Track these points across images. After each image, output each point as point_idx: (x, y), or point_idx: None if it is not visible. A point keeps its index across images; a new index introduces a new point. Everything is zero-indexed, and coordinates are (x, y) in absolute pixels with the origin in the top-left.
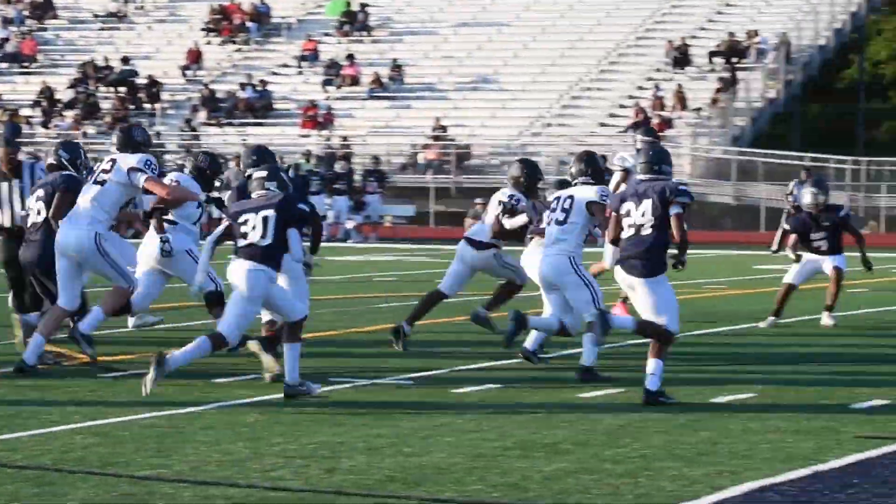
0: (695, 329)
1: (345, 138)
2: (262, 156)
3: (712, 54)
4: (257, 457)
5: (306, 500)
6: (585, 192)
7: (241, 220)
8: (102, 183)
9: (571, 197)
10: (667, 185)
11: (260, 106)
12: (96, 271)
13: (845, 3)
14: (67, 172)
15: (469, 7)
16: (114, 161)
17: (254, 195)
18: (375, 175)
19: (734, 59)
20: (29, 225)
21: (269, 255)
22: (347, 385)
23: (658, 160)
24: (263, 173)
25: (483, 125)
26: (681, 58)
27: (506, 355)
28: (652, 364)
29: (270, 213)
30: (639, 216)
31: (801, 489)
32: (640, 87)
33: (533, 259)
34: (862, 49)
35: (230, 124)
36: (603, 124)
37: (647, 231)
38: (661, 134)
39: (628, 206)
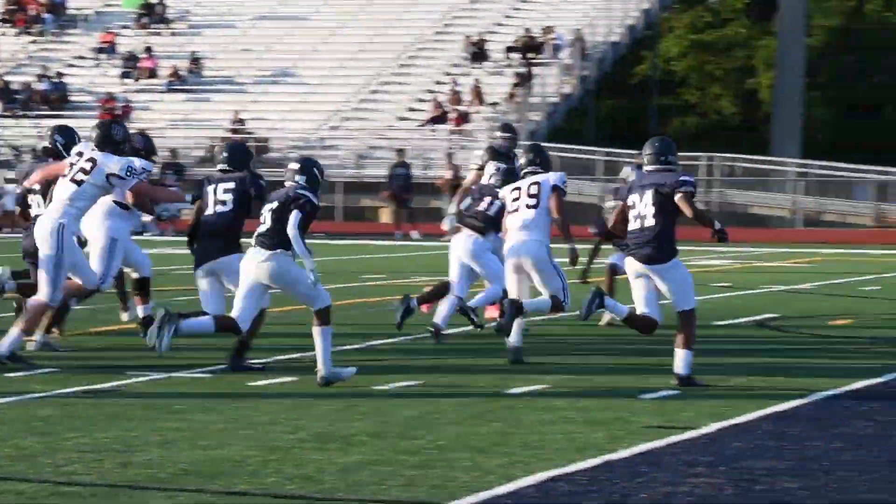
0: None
1: (143, 131)
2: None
3: (509, 50)
4: (50, 451)
5: (99, 494)
6: (548, 178)
7: (265, 209)
8: (79, 182)
9: (537, 183)
10: (668, 179)
11: (56, 98)
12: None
13: (638, 1)
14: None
15: (268, 0)
16: (94, 161)
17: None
18: (174, 168)
19: (530, 55)
20: (33, 216)
21: (278, 243)
22: (143, 378)
23: (664, 151)
24: (296, 166)
25: (282, 119)
26: (478, 53)
27: (302, 348)
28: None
29: (275, 204)
30: (643, 207)
31: (591, 478)
32: (439, 82)
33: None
34: (654, 46)
35: (26, 116)
36: (402, 118)
37: (650, 222)
38: (458, 128)
39: (634, 197)
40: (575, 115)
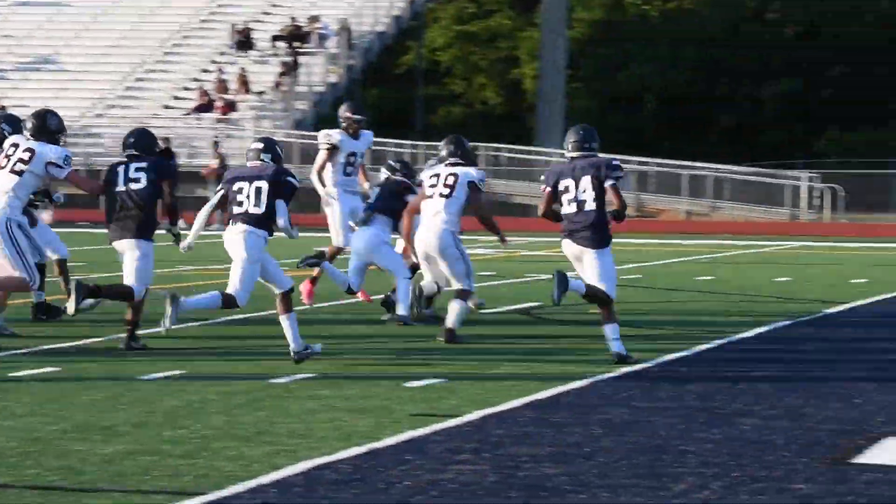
0: (259, 311)
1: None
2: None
3: (275, 39)
4: None
5: None
6: (467, 172)
7: (235, 187)
8: (20, 173)
9: (455, 175)
10: (602, 163)
11: None
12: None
13: None
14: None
15: None
16: (32, 151)
17: (248, 164)
18: None
19: (296, 44)
20: None
21: (262, 222)
22: None
23: (588, 139)
24: (260, 145)
25: (44, 106)
26: (244, 41)
27: (66, 336)
28: (610, 329)
29: (263, 184)
30: (580, 193)
31: (356, 466)
32: (204, 70)
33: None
34: (420, 36)
35: None
36: (167, 106)
37: (590, 206)
38: (224, 117)
39: (566, 183)
40: (341, 105)
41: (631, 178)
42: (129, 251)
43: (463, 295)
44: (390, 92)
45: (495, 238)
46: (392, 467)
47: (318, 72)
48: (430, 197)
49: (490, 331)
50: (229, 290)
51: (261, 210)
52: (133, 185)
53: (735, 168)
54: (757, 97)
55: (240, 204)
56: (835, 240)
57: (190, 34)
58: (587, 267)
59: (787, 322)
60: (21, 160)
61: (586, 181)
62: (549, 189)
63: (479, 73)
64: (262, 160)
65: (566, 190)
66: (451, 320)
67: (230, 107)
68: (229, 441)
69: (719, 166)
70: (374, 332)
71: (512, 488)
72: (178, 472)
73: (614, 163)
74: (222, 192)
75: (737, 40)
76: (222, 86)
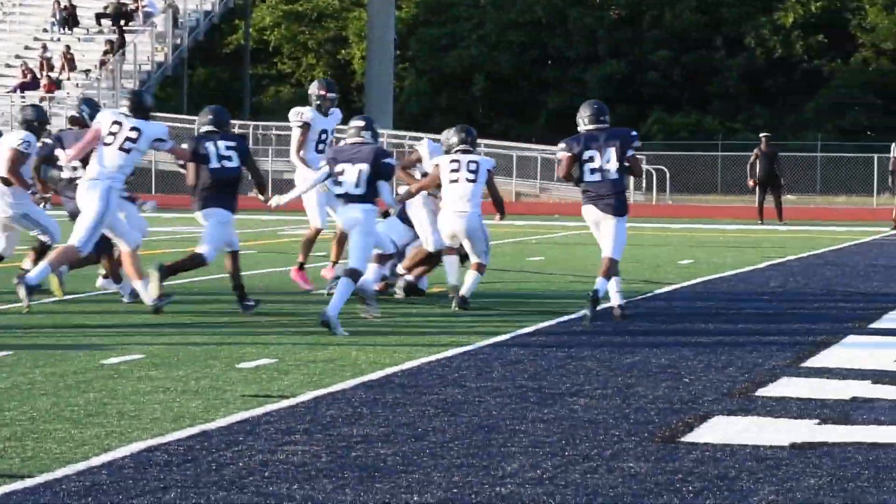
0: (87, 291)
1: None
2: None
3: (99, 16)
4: None
5: None
6: (486, 159)
7: (337, 168)
8: (128, 151)
9: (476, 162)
10: (624, 134)
11: None
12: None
13: None
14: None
15: None
16: (138, 130)
17: (349, 141)
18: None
19: (122, 22)
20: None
21: (368, 199)
22: None
23: (603, 112)
24: (361, 123)
25: None
26: (69, 18)
27: None
28: (614, 283)
29: (365, 167)
30: (604, 162)
31: (188, 448)
32: (28, 48)
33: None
34: (247, 15)
35: None
36: None
37: (613, 175)
38: (50, 95)
39: (591, 153)
40: (169, 84)
41: None
42: (212, 218)
43: (480, 269)
44: (218, 71)
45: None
46: (224, 448)
47: (144, 51)
48: (455, 182)
49: (321, 309)
50: (351, 263)
51: (360, 191)
52: (226, 164)
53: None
54: (582, 80)
55: (340, 184)
56: (661, 221)
57: (12, 10)
58: (605, 232)
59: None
60: (129, 139)
61: (610, 152)
62: (570, 155)
63: (307, 54)
64: (361, 137)
65: (590, 159)
66: (466, 289)
67: (56, 85)
68: (58, 423)
69: (547, 147)
70: (208, 310)
71: (345, 468)
72: (7, 455)
73: (633, 134)
74: (327, 169)
75: (563, 23)
76: (47, 63)
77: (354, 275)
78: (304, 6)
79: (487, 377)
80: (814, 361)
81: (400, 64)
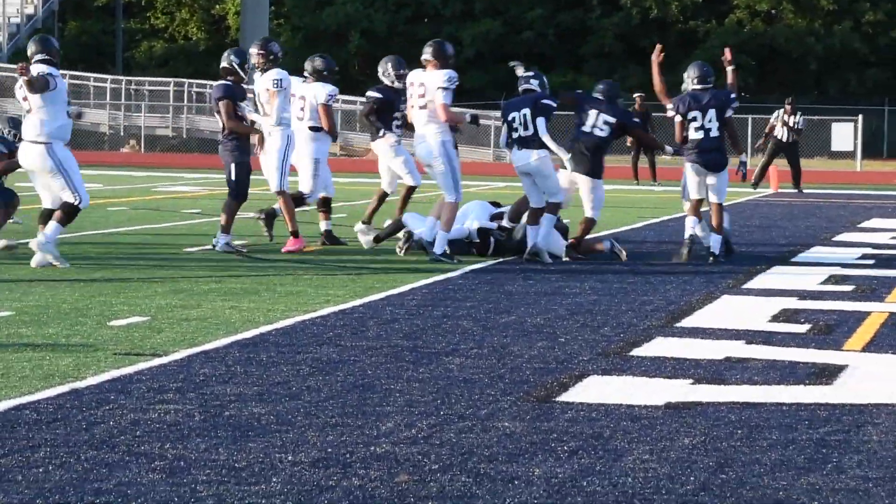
0: None
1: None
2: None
3: None
4: None
5: None
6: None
7: (509, 117)
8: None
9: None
10: (724, 95)
11: None
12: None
13: None
14: (225, 82)
15: None
16: (424, 86)
17: (520, 89)
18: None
19: None
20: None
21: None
22: None
23: (709, 73)
24: (531, 73)
25: None
26: None
27: None
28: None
29: (527, 111)
30: (706, 121)
31: (58, 406)
32: None
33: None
34: None
35: None
36: None
37: (715, 133)
38: None
39: (694, 113)
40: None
41: (338, 117)
42: (584, 185)
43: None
44: (89, 25)
45: (199, 176)
46: (95, 407)
47: (13, 2)
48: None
49: (195, 268)
50: (552, 199)
51: (529, 133)
52: (597, 132)
53: None
54: (458, 37)
55: (515, 130)
56: None
57: None
58: (710, 185)
59: (493, 262)
60: (421, 95)
61: (712, 112)
62: (682, 120)
63: (181, 8)
64: (530, 85)
65: (694, 119)
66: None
67: None
68: None
69: None
70: (80, 266)
71: (218, 427)
72: None
73: (732, 96)
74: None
75: None
76: None
77: (556, 209)
78: None
79: (362, 336)
80: (688, 322)
81: (275, 20)
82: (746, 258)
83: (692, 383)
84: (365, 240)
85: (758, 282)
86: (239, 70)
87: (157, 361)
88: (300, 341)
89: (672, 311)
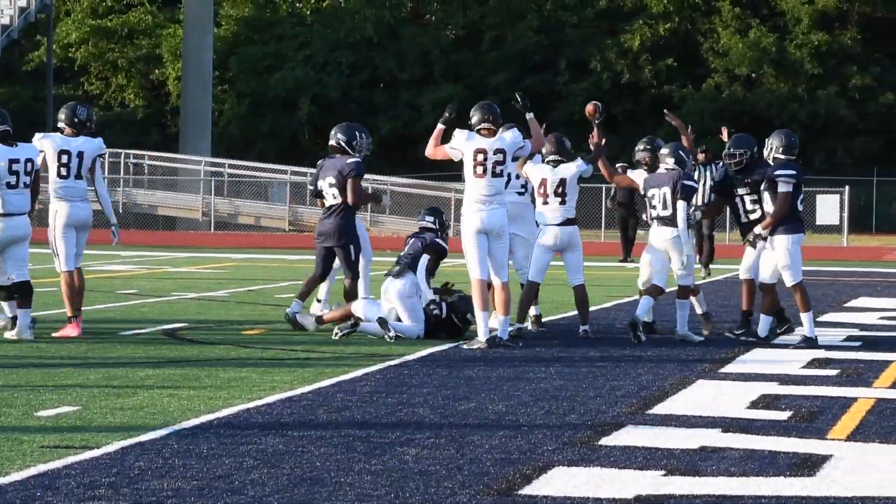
0: None
1: None
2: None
3: None
4: None
5: None
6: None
7: (649, 193)
8: (500, 174)
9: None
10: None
11: None
12: None
13: None
14: (355, 158)
15: None
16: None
17: (663, 167)
18: None
19: None
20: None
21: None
22: None
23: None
24: (667, 150)
25: None
26: None
27: None
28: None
29: (667, 190)
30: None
31: None
32: None
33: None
34: (50, 31)
35: None
36: None
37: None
38: None
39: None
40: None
41: (286, 191)
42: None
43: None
44: (19, 90)
45: (135, 254)
46: None
47: None
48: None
49: (130, 353)
50: (656, 281)
51: (668, 213)
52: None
53: (396, 179)
54: (416, 104)
55: (654, 207)
56: None
57: None
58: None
59: (451, 345)
60: (497, 162)
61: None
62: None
63: (117, 73)
64: (668, 164)
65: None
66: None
67: None
68: None
69: (379, 177)
70: (3, 352)
71: None
72: None
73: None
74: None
75: (395, 44)
76: None
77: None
78: (113, 21)
79: (311, 425)
80: (660, 408)
81: (219, 86)
82: (724, 341)
83: (664, 475)
84: (308, 322)
85: (736, 365)
86: (347, 148)
87: (87, 454)
88: (243, 431)
89: (644, 397)
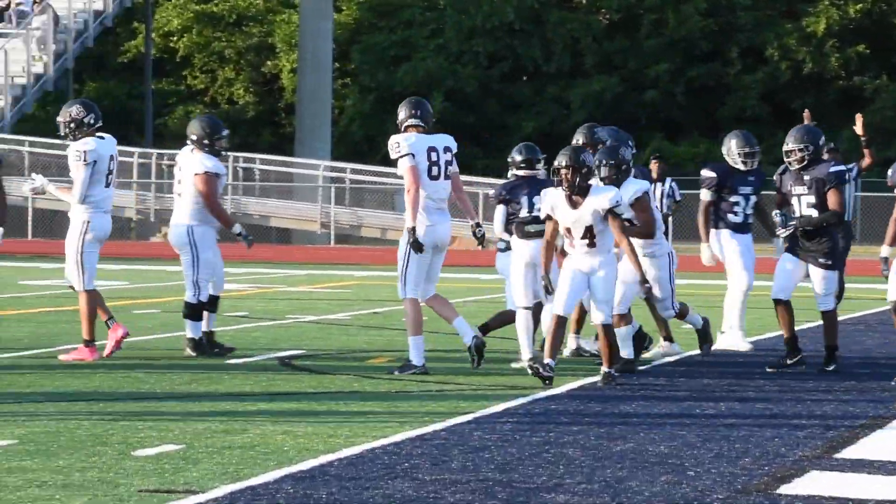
0: None
1: None
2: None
3: None
4: None
5: None
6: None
7: (732, 199)
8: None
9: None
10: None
11: None
12: None
13: None
14: None
15: None
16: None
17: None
18: None
19: None
20: None
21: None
22: None
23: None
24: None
25: None
26: None
27: None
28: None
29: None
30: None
31: None
32: None
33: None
34: (148, 17)
35: None
36: None
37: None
38: None
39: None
40: (50, 101)
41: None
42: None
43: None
44: (112, 86)
45: (245, 271)
46: None
47: (17, 59)
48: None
49: (239, 384)
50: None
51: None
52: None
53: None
54: (565, 99)
55: (736, 214)
56: None
57: None
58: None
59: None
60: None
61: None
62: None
63: (224, 65)
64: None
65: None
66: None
67: None
68: None
69: None
70: (98, 385)
71: None
72: None
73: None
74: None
75: (540, 30)
76: None
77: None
78: (220, 6)
79: (445, 468)
80: (850, 452)
81: (340, 79)
82: None
83: None
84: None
85: None
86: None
87: (192, 500)
88: (368, 474)
89: (830, 438)
